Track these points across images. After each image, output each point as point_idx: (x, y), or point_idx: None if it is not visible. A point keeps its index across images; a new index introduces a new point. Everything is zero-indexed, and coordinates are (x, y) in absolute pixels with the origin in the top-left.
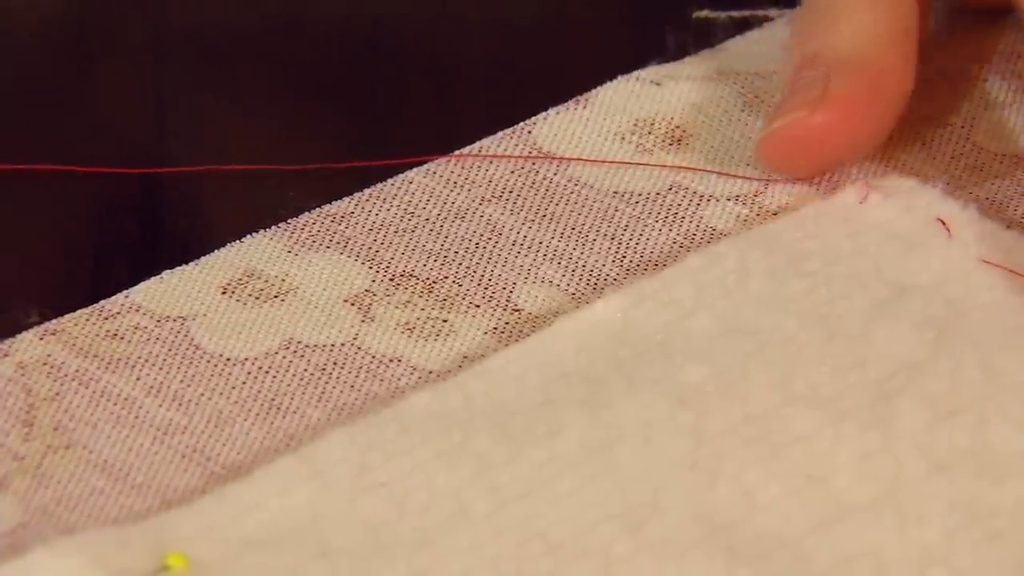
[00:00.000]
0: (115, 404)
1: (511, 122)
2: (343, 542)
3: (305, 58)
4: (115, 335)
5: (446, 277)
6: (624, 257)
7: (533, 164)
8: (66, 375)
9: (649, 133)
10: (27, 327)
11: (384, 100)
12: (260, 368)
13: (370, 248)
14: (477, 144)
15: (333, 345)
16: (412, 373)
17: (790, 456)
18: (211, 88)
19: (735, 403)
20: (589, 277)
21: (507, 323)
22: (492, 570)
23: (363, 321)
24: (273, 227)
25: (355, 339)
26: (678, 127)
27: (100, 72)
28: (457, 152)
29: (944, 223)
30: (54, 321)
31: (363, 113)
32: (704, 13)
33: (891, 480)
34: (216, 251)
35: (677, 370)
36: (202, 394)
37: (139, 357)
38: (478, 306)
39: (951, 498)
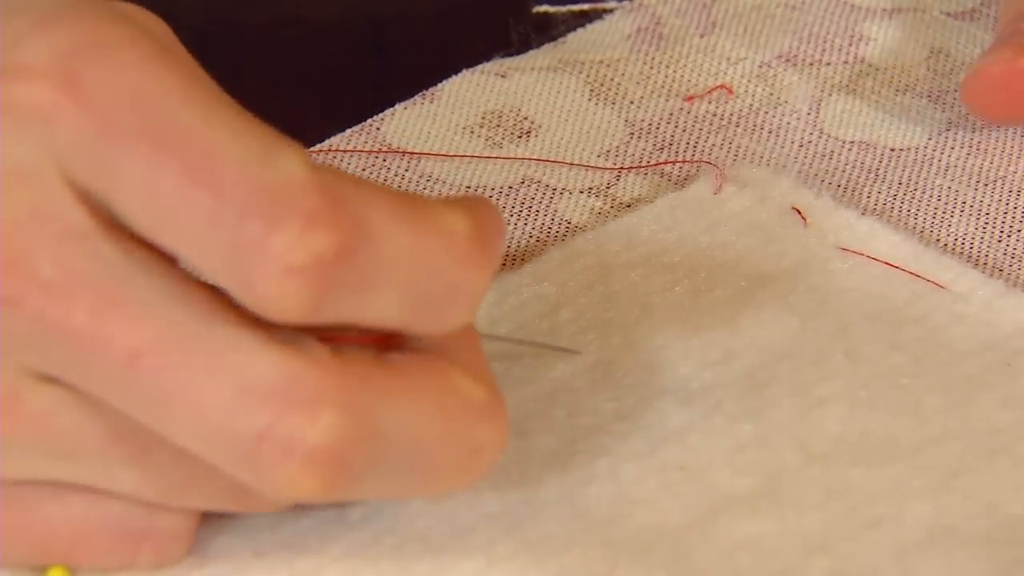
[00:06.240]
0: None
1: (357, 119)
2: (219, 547)
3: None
4: None
5: None
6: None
7: (384, 160)
8: None
9: (498, 126)
10: None
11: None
12: None
13: None
14: (327, 142)
15: None
16: None
17: (664, 450)
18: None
19: (606, 399)
20: None
21: None
22: (374, 572)
23: None
24: None
25: None
26: (526, 119)
27: None
28: (307, 150)
29: (800, 212)
30: None
31: None
32: (544, 7)
33: (767, 471)
34: None
35: (546, 366)
36: None
37: None
38: None
39: (827, 486)
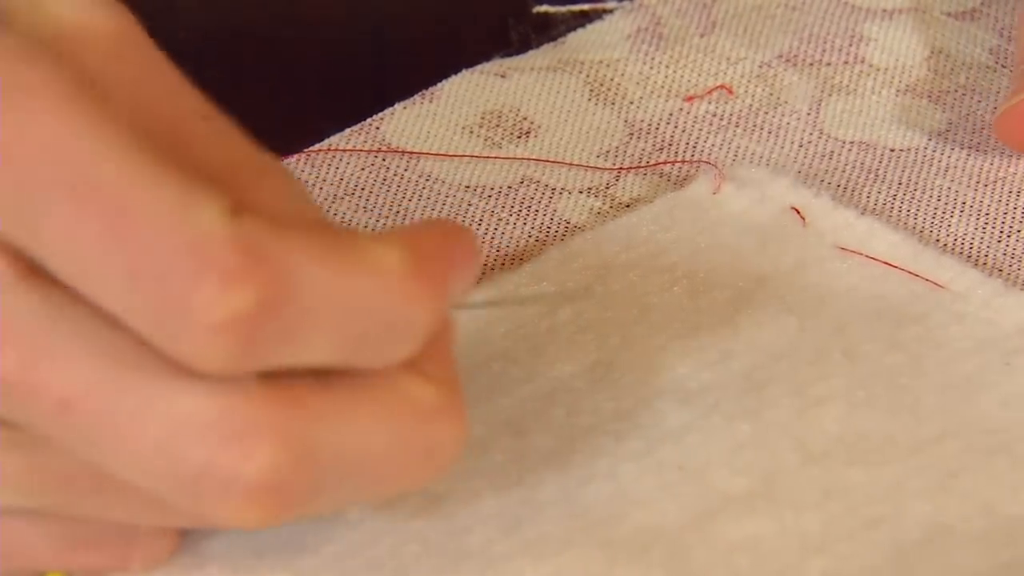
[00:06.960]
0: None
1: (357, 118)
2: (216, 549)
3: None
4: None
5: None
6: (481, 251)
7: (383, 160)
8: None
9: (497, 126)
10: None
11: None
12: None
13: None
14: (326, 141)
15: None
16: None
17: (662, 450)
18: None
19: (605, 398)
20: None
21: None
22: (372, 573)
23: None
24: None
25: None
26: (525, 119)
27: None
28: (307, 149)
29: (799, 212)
30: None
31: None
32: (544, 7)
33: (765, 470)
34: None
35: (545, 366)
36: None
37: None
38: None
39: (825, 486)
